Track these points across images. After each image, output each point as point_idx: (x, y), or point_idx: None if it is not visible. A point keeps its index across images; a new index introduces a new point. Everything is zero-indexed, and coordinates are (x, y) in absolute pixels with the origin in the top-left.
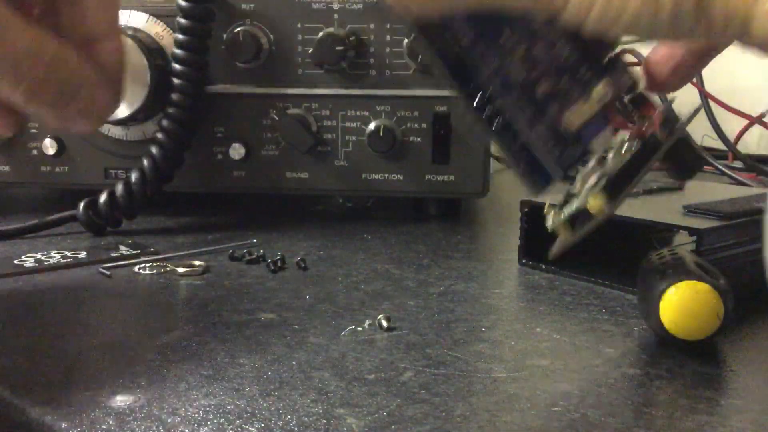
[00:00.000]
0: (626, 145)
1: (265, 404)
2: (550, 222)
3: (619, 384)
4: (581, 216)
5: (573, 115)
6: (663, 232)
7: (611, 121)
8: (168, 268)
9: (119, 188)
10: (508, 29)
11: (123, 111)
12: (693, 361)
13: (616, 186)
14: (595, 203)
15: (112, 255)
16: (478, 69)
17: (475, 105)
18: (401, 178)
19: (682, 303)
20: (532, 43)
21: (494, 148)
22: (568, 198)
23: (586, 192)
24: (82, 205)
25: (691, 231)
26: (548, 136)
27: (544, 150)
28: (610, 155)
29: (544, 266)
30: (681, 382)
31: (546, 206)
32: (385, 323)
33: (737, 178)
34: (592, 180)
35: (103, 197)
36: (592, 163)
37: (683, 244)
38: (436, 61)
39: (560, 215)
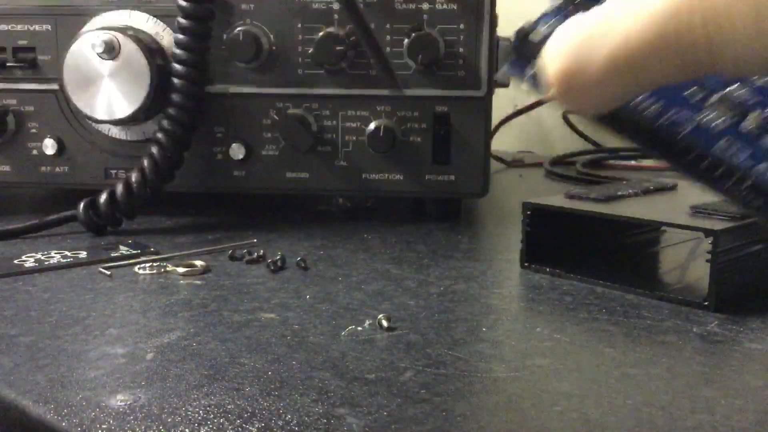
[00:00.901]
0: None
1: (265, 404)
2: None
3: (619, 384)
4: None
5: None
6: (651, 232)
7: None
8: (168, 268)
9: (119, 188)
10: (694, 85)
11: (123, 111)
12: (693, 361)
13: None
14: None
15: (112, 255)
16: (675, 131)
17: (686, 165)
18: (401, 178)
19: None
20: (724, 86)
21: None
22: None
23: None
24: (82, 205)
25: (707, 232)
26: None
27: None
28: None
29: (548, 269)
30: (681, 381)
31: None
32: (385, 323)
33: None
34: None
35: (103, 197)
36: None
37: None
38: (629, 142)
39: None
